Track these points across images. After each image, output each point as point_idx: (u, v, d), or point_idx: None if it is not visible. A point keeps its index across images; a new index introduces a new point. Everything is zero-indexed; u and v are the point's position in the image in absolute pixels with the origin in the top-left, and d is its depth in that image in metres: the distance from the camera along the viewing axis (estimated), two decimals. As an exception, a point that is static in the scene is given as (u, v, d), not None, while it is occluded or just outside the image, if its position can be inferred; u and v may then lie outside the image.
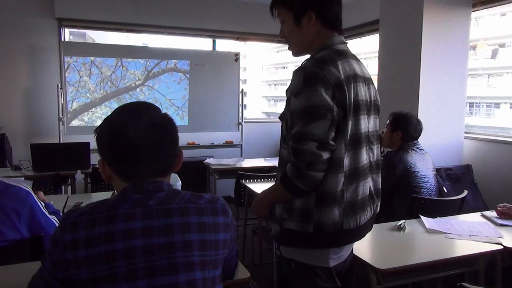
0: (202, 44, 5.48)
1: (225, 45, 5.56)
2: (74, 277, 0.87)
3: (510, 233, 1.89)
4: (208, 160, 4.18)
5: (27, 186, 1.64)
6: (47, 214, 1.65)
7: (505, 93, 15.00)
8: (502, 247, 1.72)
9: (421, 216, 2.07)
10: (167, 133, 0.99)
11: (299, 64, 1.29)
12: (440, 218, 2.07)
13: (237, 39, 5.40)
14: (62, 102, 4.33)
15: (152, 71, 4.71)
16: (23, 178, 1.70)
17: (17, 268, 1.40)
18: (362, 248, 1.60)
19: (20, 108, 4.43)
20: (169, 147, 0.99)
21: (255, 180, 3.08)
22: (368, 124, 1.33)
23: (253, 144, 5.28)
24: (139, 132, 0.94)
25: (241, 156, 5.02)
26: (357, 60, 1.35)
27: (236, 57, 5.09)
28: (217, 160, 4.24)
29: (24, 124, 4.44)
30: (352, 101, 1.23)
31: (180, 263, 0.90)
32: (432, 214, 2.11)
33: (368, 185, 1.34)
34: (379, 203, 1.44)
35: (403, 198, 2.35)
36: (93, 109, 4.52)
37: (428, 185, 2.42)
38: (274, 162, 3.95)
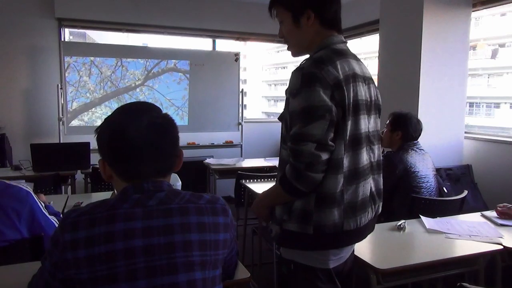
0: (202, 44, 5.48)
1: (225, 45, 5.57)
2: (74, 277, 0.87)
3: (510, 233, 1.89)
4: (208, 160, 4.18)
5: (27, 186, 1.65)
6: (47, 214, 1.65)
7: (505, 93, 14.99)
8: (502, 247, 1.72)
9: (421, 216, 2.07)
10: (168, 133, 0.99)
11: (299, 64, 1.28)
12: (440, 218, 2.07)
13: (237, 39, 5.41)
14: (62, 102, 4.33)
15: (152, 71, 4.71)
16: (23, 181, 1.70)
17: (17, 268, 1.40)
18: (362, 248, 1.60)
19: (20, 108, 4.43)
20: (169, 147, 0.99)
21: (255, 180, 3.08)
22: (368, 124, 1.32)
23: (253, 144, 5.28)
24: (139, 132, 0.94)
25: (241, 156, 5.02)
26: (357, 59, 1.34)
27: (236, 57, 5.09)
28: (217, 160, 4.24)
29: (24, 124, 4.44)
30: (352, 101, 1.22)
31: (180, 263, 0.90)
32: (432, 214, 2.11)
33: (368, 185, 1.32)
34: (381, 204, 1.42)
35: (403, 198, 2.35)
36: (93, 109, 4.52)
37: (428, 185, 2.42)
38: (274, 162, 3.95)
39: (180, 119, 4.88)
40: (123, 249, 0.86)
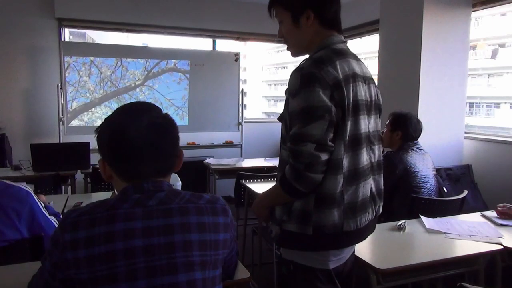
0: (202, 44, 5.48)
1: (225, 45, 5.57)
2: (74, 277, 0.87)
3: (510, 233, 1.89)
4: (208, 160, 4.18)
5: (28, 187, 1.64)
6: (47, 214, 1.65)
7: (505, 93, 15.00)
8: (502, 247, 1.72)
9: (421, 216, 2.07)
10: (168, 133, 0.99)
11: (299, 64, 1.28)
12: (440, 218, 2.07)
13: (237, 39, 5.41)
14: (62, 102, 4.33)
15: (152, 71, 4.71)
16: (24, 183, 1.70)
17: (17, 268, 1.40)
18: (362, 248, 1.59)
19: (20, 108, 4.43)
20: (169, 147, 0.99)
21: (255, 180, 3.08)
22: (368, 124, 1.31)
23: (253, 144, 5.28)
24: (139, 132, 0.94)
25: (241, 156, 5.02)
26: (357, 59, 1.33)
27: (236, 57, 5.09)
28: (217, 160, 4.24)
29: (24, 124, 4.44)
30: (351, 101, 1.22)
31: (180, 263, 0.90)
32: (432, 214, 2.11)
33: (369, 186, 1.32)
34: (382, 204, 1.41)
35: (403, 198, 2.35)
36: (93, 109, 4.52)
37: (428, 185, 2.42)
38: (274, 162, 3.95)
39: (180, 119, 4.88)
40: (123, 249, 0.86)
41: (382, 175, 1.41)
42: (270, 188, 1.36)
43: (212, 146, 5.16)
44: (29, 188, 1.64)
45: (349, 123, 1.22)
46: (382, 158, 1.43)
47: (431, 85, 3.30)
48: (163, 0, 4.76)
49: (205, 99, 4.97)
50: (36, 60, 4.42)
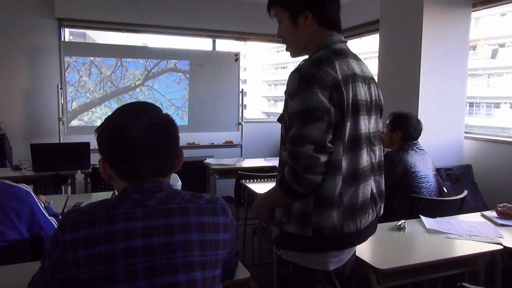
0: (202, 44, 5.48)
1: (225, 45, 5.57)
2: (74, 277, 0.87)
3: (510, 233, 1.89)
4: (208, 160, 4.18)
5: (27, 187, 1.64)
6: (47, 215, 1.65)
7: (505, 93, 15.01)
8: (502, 247, 1.72)
9: (421, 216, 2.07)
10: (168, 133, 0.99)
11: (298, 64, 1.27)
12: (440, 218, 2.07)
13: (237, 39, 5.40)
14: (62, 102, 4.33)
15: (152, 71, 4.71)
16: (25, 185, 1.70)
17: (17, 268, 1.40)
18: (362, 248, 1.59)
19: (20, 108, 4.43)
20: (169, 148, 0.99)
21: (255, 180, 3.08)
22: (368, 124, 1.30)
23: (253, 144, 5.28)
24: (139, 132, 0.94)
25: (241, 156, 5.02)
26: (357, 59, 1.32)
27: (236, 57, 5.09)
28: (217, 160, 4.24)
29: (24, 124, 4.44)
30: (351, 101, 1.21)
31: (180, 263, 0.90)
32: (432, 214, 2.11)
33: (369, 187, 1.31)
34: (383, 205, 1.40)
35: (403, 198, 2.35)
36: (93, 109, 4.52)
37: (428, 185, 2.42)
38: (274, 162, 3.95)
39: (180, 119, 4.88)
40: (123, 249, 0.86)
41: (383, 175, 1.40)
42: (270, 189, 1.36)
43: (212, 146, 5.16)
44: (29, 188, 1.64)
45: (348, 124, 1.21)
46: (383, 158, 1.42)
47: (431, 85, 3.30)
48: (163, 0, 4.76)
49: (205, 99, 4.97)
50: (36, 60, 4.42)
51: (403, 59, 3.45)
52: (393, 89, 3.50)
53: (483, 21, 14.09)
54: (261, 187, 2.82)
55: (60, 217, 1.76)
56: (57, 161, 3.43)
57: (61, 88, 4.31)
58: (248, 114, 9.23)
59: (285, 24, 1.34)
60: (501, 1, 3.36)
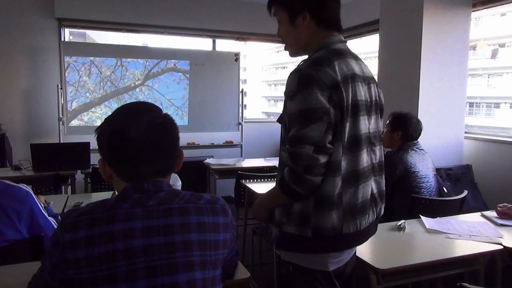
0: (202, 44, 5.48)
1: (225, 45, 5.57)
2: (74, 277, 0.87)
3: (510, 233, 1.89)
4: (208, 160, 4.18)
5: (27, 187, 1.64)
6: (46, 215, 1.65)
7: (505, 93, 15.01)
8: (502, 247, 1.72)
9: (421, 216, 2.07)
10: (168, 133, 0.99)
11: (297, 65, 1.27)
12: (440, 218, 2.07)
13: (237, 39, 5.40)
14: (62, 102, 4.33)
15: (152, 71, 4.71)
16: (25, 185, 1.70)
17: (17, 268, 1.40)
18: (363, 248, 1.59)
19: (20, 108, 4.43)
20: (169, 148, 0.99)
21: (255, 180, 3.08)
22: (368, 125, 1.30)
23: (253, 144, 5.29)
24: (139, 132, 0.94)
25: (241, 156, 5.02)
26: (357, 59, 1.32)
27: (236, 57, 5.09)
28: (217, 160, 4.24)
29: (24, 124, 4.44)
30: (350, 102, 1.20)
31: (180, 263, 0.90)
32: (432, 214, 2.11)
33: (369, 188, 1.30)
34: (383, 205, 1.40)
35: (403, 198, 2.35)
36: (93, 109, 4.52)
37: (428, 185, 2.42)
38: (274, 162, 3.95)
39: (180, 119, 4.88)
40: (123, 249, 0.86)
41: (383, 176, 1.39)
42: (270, 190, 1.35)
43: (212, 146, 5.16)
44: (29, 189, 1.64)
45: (347, 125, 1.21)
46: (383, 158, 1.42)
47: (431, 85, 3.30)
48: (163, 0, 4.76)
49: (205, 99, 4.97)
50: (36, 60, 4.42)
51: (403, 59, 3.45)
52: (393, 89, 3.50)
53: (483, 21, 14.09)
54: (261, 187, 2.83)
55: (59, 218, 1.76)
56: (57, 161, 3.43)
57: (61, 88, 4.31)
58: (248, 114, 9.22)
59: (284, 24, 1.34)
60: (501, 1, 3.36)
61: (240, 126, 5.19)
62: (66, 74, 4.33)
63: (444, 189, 2.58)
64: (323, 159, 1.16)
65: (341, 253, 1.32)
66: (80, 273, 0.86)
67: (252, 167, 3.86)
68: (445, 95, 3.37)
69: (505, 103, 15.14)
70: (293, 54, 1.39)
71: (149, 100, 4.56)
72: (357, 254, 1.50)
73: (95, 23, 4.70)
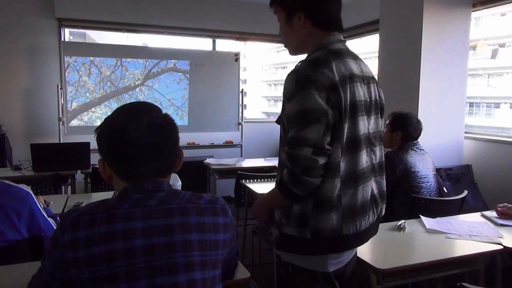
0: (202, 44, 5.48)
1: (225, 45, 5.57)
2: (74, 277, 0.87)
3: (510, 233, 1.89)
4: (208, 160, 4.18)
5: (27, 187, 1.65)
6: (46, 216, 1.65)
7: (505, 93, 15.00)
8: (502, 247, 1.72)
9: (421, 216, 2.07)
10: (168, 133, 0.99)
11: (295, 66, 1.27)
12: (440, 218, 2.07)
13: (237, 39, 5.40)
14: (62, 102, 4.33)
15: (152, 71, 4.71)
16: (25, 185, 1.70)
17: (17, 268, 1.40)
18: (362, 248, 1.58)
19: (20, 108, 4.43)
20: (169, 148, 0.99)
21: (255, 180, 3.08)
22: (368, 125, 1.29)
23: (253, 144, 5.28)
24: (139, 132, 0.94)
25: (241, 156, 5.02)
26: (356, 58, 1.31)
27: (236, 57, 5.09)
28: (217, 160, 4.24)
29: (24, 124, 4.44)
30: (348, 102, 1.20)
31: (180, 263, 0.90)
32: (432, 214, 2.11)
33: (369, 188, 1.29)
34: (384, 206, 1.39)
35: (403, 198, 2.35)
36: (93, 109, 4.52)
37: (428, 185, 2.42)
38: (274, 162, 3.95)
39: (180, 119, 4.88)
40: (123, 249, 0.86)
41: (384, 176, 1.39)
42: (269, 191, 1.35)
43: (212, 146, 5.16)
44: (29, 189, 1.64)
45: (346, 126, 1.20)
46: (384, 158, 1.41)
47: (431, 85, 3.30)
48: (163, 0, 4.76)
49: (205, 99, 4.97)
50: (36, 60, 4.42)
51: (403, 59, 3.45)
52: (393, 89, 3.50)
53: (483, 21, 14.08)
54: (261, 187, 2.83)
55: (58, 218, 1.76)
56: (57, 161, 3.43)
57: (61, 88, 4.31)
58: (248, 114, 9.22)
59: (282, 23, 1.35)
60: (501, 1, 3.36)
61: (240, 126, 5.19)
62: (66, 74, 4.33)
63: (444, 189, 2.58)
64: (321, 160, 1.16)
65: (341, 254, 1.31)
66: (80, 273, 0.86)
67: (252, 167, 3.86)
68: (445, 95, 3.37)
69: (505, 103, 15.13)
70: (292, 52, 1.40)
71: (149, 100, 4.56)
72: (357, 254, 1.50)
73: (95, 23, 4.70)
